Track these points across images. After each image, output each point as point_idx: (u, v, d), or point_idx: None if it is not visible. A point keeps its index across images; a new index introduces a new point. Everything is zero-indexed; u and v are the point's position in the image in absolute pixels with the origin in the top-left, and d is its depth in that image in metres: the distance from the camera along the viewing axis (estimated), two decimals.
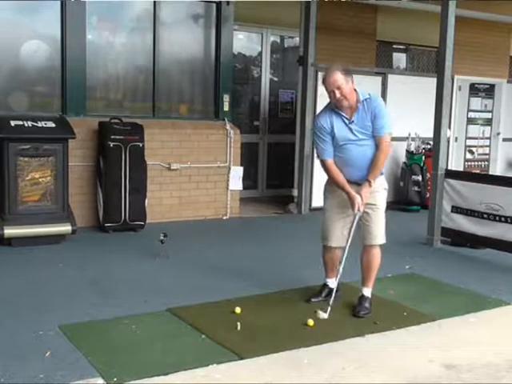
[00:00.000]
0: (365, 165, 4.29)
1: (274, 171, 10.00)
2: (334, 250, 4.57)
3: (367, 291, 4.49)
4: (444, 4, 6.60)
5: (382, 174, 4.44)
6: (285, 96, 10.16)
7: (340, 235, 4.47)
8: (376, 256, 4.45)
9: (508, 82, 10.60)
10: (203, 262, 5.74)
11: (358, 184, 4.34)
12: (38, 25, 7.13)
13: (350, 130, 4.28)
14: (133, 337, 3.87)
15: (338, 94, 4.18)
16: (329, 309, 4.23)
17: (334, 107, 4.33)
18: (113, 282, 5.07)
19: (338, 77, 4.18)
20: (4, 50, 6.88)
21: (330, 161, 4.36)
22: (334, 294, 4.35)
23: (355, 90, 4.27)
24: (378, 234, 4.41)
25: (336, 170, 4.34)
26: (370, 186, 4.26)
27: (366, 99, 4.27)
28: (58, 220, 6.23)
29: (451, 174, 6.77)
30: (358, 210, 4.26)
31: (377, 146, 4.29)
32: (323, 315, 4.22)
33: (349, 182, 4.33)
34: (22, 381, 3.22)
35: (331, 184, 4.46)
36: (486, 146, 10.38)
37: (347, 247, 4.38)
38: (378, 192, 4.40)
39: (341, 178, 4.32)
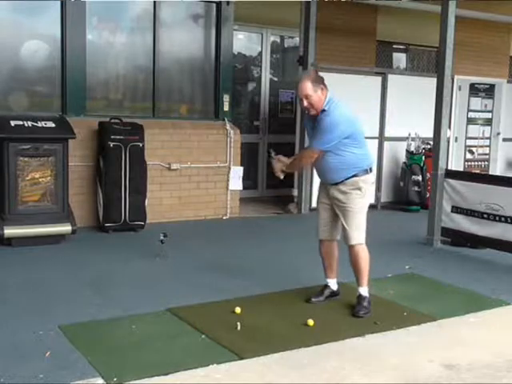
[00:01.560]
0: (324, 170, 4.44)
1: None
2: (323, 243, 4.63)
3: (363, 290, 4.49)
4: (444, 4, 6.60)
5: (356, 175, 4.37)
6: (285, 96, 10.16)
7: (323, 227, 4.57)
8: (359, 254, 4.44)
9: (508, 82, 10.58)
10: (203, 262, 5.74)
11: (332, 184, 4.44)
12: (38, 25, 7.13)
13: (313, 135, 4.42)
14: (133, 337, 3.87)
15: (305, 103, 4.30)
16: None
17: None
18: (113, 282, 5.07)
19: (307, 86, 4.26)
20: (4, 49, 6.88)
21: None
22: None
23: (326, 96, 4.29)
24: (353, 234, 4.41)
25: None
26: (278, 159, 4.52)
27: (323, 110, 4.29)
28: (58, 220, 6.23)
29: (451, 174, 6.77)
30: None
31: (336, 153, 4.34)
32: None
33: (321, 182, 4.59)
34: (22, 381, 3.22)
35: (319, 185, 4.65)
36: (486, 146, 10.38)
37: None
38: (349, 193, 4.38)
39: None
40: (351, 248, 4.45)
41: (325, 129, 4.26)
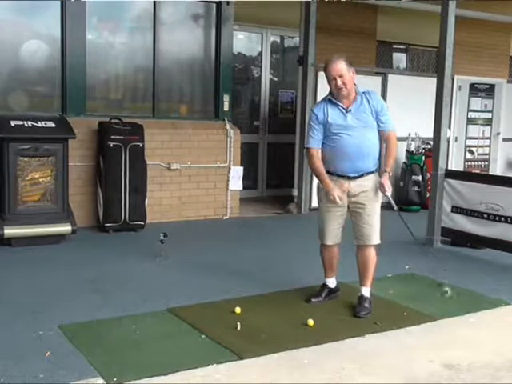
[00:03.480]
0: (357, 155, 4.30)
1: (274, 171, 10.01)
2: (331, 248, 4.59)
3: (366, 291, 4.49)
4: (444, 4, 6.60)
5: (375, 171, 4.42)
6: (285, 96, 10.16)
7: (335, 233, 4.51)
8: (371, 256, 4.44)
9: (508, 81, 10.58)
10: (203, 262, 5.74)
11: (349, 178, 4.35)
12: (38, 25, 7.13)
13: (346, 118, 4.34)
14: (133, 337, 3.87)
15: (339, 82, 4.27)
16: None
17: (330, 98, 4.41)
18: (113, 281, 5.07)
19: (342, 65, 4.29)
20: (4, 49, 6.88)
21: (314, 150, 4.42)
22: None
23: (355, 83, 4.37)
24: (373, 234, 4.40)
25: (318, 160, 4.40)
26: (389, 175, 4.33)
27: (365, 92, 4.38)
28: (58, 220, 6.23)
29: (451, 174, 6.77)
30: (340, 199, 4.31)
31: (384, 140, 4.40)
32: None
33: (340, 175, 4.37)
34: (22, 381, 3.22)
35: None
36: (486, 146, 10.38)
37: None
38: (373, 192, 4.38)
39: (321, 168, 4.39)
40: (365, 248, 4.43)
41: (385, 109, 4.37)
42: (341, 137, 4.33)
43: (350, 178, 4.35)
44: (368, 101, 4.34)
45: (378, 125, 4.35)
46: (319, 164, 4.40)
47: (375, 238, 4.42)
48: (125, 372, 3.34)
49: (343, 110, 4.35)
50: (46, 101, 7.29)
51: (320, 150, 4.42)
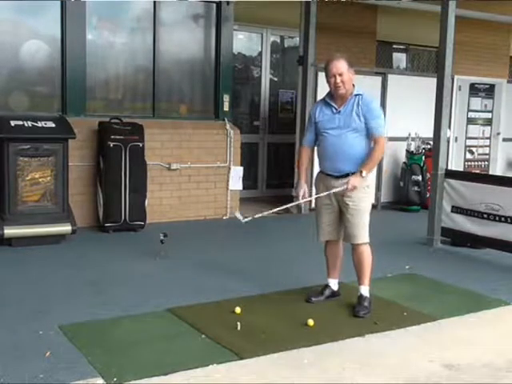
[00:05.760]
0: (337, 156, 4.35)
1: (274, 171, 10.00)
2: (328, 245, 4.61)
3: (364, 290, 4.49)
4: (444, 4, 6.60)
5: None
6: (285, 96, 10.16)
7: (328, 229, 4.54)
8: (363, 254, 4.45)
9: (508, 82, 10.59)
10: (203, 262, 5.74)
11: (335, 177, 4.39)
12: (38, 25, 7.13)
13: (334, 119, 4.39)
14: (133, 337, 3.87)
15: (338, 80, 4.30)
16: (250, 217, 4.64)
17: (326, 98, 4.48)
18: (113, 282, 5.07)
19: (343, 64, 4.33)
20: (4, 49, 6.88)
21: (303, 148, 4.65)
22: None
23: (353, 84, 4.39)
24: (357, 234, 4.41)
25: (304, 157, 4.62)
26: (361, 175, 4.30)
27: (358, 94, 4.39)
28: (58, 220, 6.23)
29: (451, 174, 6.77)
30: (304, 197, 4.54)
31: (374, 143, 4.40)
32: (239, 216, 4.66)
33: (329, 175, 4.44)
34: (22, 381, 3.22)
35: (317, 180, 4.59)
36: (486, 146, 10.38)
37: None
38: (358, 190, 4.35)
39: (303, 166, 4.61)
40: (357, 247, 4.45)
41: (378, 113, 4.38)
42: (325, 136, 4.43)
43: (335, 177, 4.40)
44: (358, 103, 4.35)
45: (367, 129, 4.35)
46: (302, 162, 4.61)
47: (360, 238, 4.42)
48: (125, 372, 3.34)
49: (334, 111, 4.40)
50: (46, 101, 7.29)
51: (309, 149, 4.62)
